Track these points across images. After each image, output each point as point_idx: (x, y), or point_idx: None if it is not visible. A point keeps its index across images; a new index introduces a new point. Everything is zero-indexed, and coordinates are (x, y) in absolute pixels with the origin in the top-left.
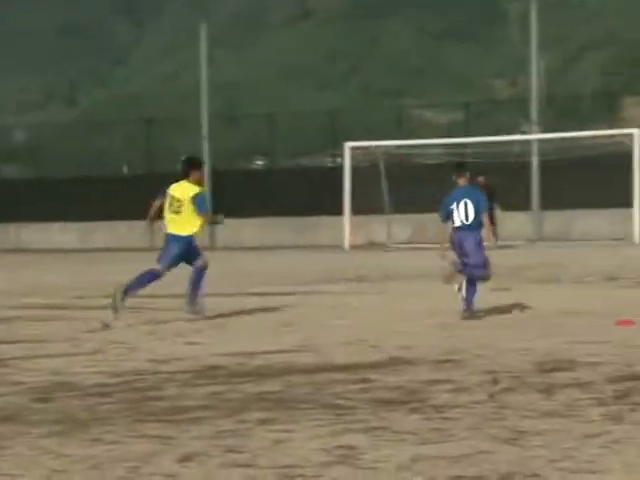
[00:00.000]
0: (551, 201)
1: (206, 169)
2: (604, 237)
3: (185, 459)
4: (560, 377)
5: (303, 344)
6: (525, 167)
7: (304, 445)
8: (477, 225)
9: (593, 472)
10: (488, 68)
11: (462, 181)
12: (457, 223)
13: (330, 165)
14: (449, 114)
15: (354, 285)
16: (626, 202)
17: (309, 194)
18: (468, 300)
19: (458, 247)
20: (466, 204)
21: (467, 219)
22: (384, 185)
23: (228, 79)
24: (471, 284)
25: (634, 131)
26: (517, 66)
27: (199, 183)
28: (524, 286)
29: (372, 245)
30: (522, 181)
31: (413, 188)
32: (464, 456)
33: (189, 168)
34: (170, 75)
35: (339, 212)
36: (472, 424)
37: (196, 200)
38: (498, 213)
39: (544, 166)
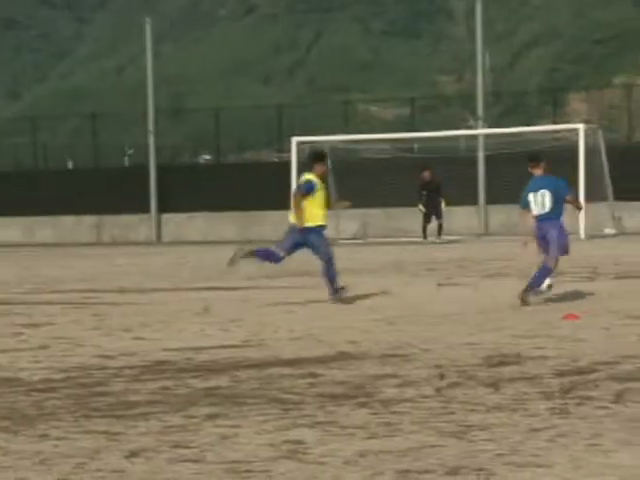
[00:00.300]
0: (497, 196)
1: (151, 164)
2: None
3: (132, 455)
4: (507, 371)
5: (250, 339)
6: (471, 162)
7: (252, 440)
8: (558, 213)
9: (539, 466)
10: (434, 64)
11: (538, 171)
12: (535, 212)
13: (276, 160)
14: (395, 109)
15: (301, 280)
16: None
17: (255, 189)
18: (533, 284)
19: (541, 238)
20: (543, 194)
21: (544, 207)
22: (331, 180)
23: (173, 74)
24: (542, 267)
25: (579, 126)
26: (463, 62)
27: (322, 176)
28: (471, 280)
29: None
30: (468, 176)
31: (360, 183)
32: (411, 450)
33: (312, 161)
34: (115, 69)
35: (286, 207)
36: (419, 418)
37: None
38: (443, 207)
39: (490, 161)
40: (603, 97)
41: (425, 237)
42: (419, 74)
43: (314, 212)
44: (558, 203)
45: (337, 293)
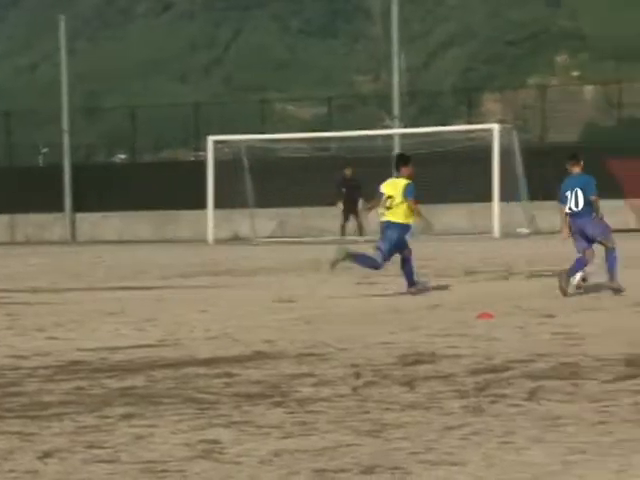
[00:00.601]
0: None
1: (66, 163)
2: (465, 231)
3: (46, 455)
4: (422, 370)
5: (166, 338)
6: (387, 161)
7: (167, 440)
8: (589, 211)
9: (453, 464)
10: (351, 63)
11: (576, 169)
12: (568, 210)
13: (193, 159)
14: (312, 108)
15: (217, 279)
16: (486, 196)
17: (171, 188)
18: (612, 273)
19: (579, 234)
20: (576, 192)
21: (577, 206)
22: (247, 179)
23: (88, 72)
24: (608, 255)
25: (494, 126)
26: (379, 62)
27: (409, 177)
28: (387, 279)
29: (236, 239)
30: (385, 175)
31: (276, 182)
32: (327, 449)
33: (400, 163)
34: (29, 67)
35: (202, 206)
36: (335, 417)
37: (405, 190)
38: (360, 206)
39: None
40: (517, 97)
41: (343, 235)
42: (336, 73)
43: (407, 212)
44: (588, 200)
45: (334, 264)
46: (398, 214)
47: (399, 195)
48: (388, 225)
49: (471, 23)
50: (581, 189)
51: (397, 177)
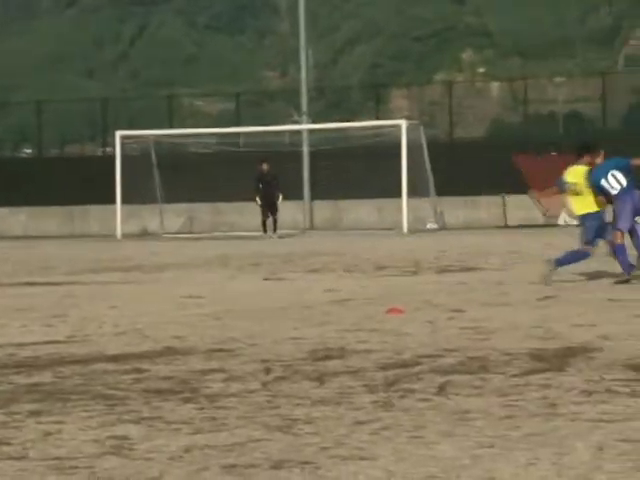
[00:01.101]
0: (322, 191)
1: None
2: (374, 227)
3: None
4: (332, 365)
5: (74, 334)
6: (296, 157)
7: (76, 436)
8: (632, 183)
9: (363, 459)
10: (258, 59)
11: (599, 160)
12: (615, 192)
13: (100, 154)
14: (220, 104)
15: (127, 275)
16: (394, 192)
17: (79, 183)
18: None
19: (632, 209)
20: (614, 175)
21: (622, 184)
22: (156, 174)
23: None
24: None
25: (401, 122)
26: (287, 58)
27: (588, 165)
28: (295, 275)
29: (145, 234)
30: (293, 171)
31: (185, 177)
32: (237, 445)
33: (582, 151)
34: None
35: (110, 201)
36: (245, 413)
37: (587, 177)
38: (279, 201)
39: (315, 156)
40: (424, 94)
41: (265, 231)
42: (244, 69)
43: (588, 200)
44: (628, 175)
45: (550, 273)
46: (587, 203)
47: (583, 183)
48: (583, 218)
49: (378, 19)
50: (616, 168)
51: (577, 164)
